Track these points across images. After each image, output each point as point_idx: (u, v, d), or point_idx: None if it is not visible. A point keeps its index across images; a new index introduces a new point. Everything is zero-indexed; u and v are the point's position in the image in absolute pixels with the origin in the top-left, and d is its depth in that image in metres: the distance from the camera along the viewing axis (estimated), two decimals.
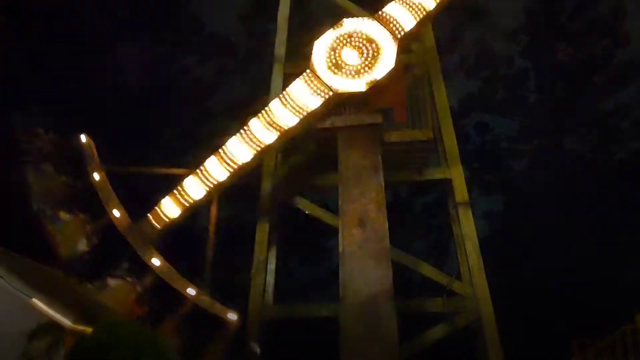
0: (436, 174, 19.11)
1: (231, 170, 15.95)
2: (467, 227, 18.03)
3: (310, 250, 28.50)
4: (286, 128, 15.84)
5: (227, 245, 27.92)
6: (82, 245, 14.89)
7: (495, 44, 31.38)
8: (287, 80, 19.54)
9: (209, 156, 16.06)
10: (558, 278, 23.24)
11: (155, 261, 14.98)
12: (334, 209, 18.77)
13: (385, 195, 17.13)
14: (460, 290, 17.79)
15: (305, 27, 22.29)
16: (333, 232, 18.18)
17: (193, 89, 31.80)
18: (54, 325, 7.66)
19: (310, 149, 19.32)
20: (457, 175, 18.45)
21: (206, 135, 32.59)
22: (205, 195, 15.92)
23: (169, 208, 15.75)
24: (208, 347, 14.75)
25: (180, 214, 15.71)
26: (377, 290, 15.85)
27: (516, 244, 26.21)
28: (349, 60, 16.08)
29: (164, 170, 17.22)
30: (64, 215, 15.20)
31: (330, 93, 15.80)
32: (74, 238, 15.02)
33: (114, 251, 15.68)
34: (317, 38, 16.52)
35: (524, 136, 30.56)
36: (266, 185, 18.88)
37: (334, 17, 20.54)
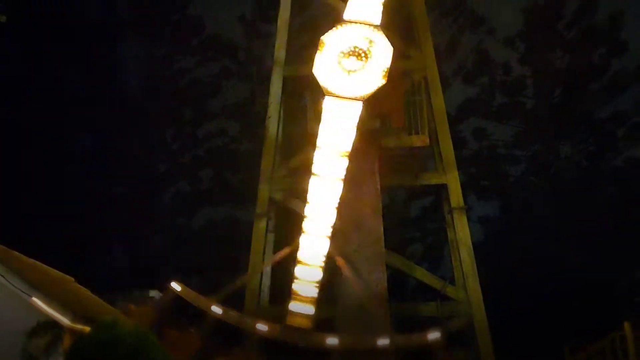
0: (432, 179, 19.25)
1: None
2: (461, 232, 18.17)
3: None
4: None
5: (224, 244, 28.19)
6: None
7: (493, 50, 31.57)
8: (287, 83, 19.78)
9: None
10: (552, 283, 23.40)
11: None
12: None
13: (381, 200, 17.38)
14: (454, 294, 17.92)
15: (306, 30, 22.52)
16: None
17: (193, 90, 31.96)
18: (53, 324, 7.82)
19: (308, 152, 19.53)
20: (452, 181, 18.59)
21: (206, 136, 32.89)
22: None
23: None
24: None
25: None
26: (371, 293, 16.07)
27: (511, 249, 26.40)
28: (349, 66, 16.35)
29: None
30: None
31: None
32: None
33: None
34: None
35: (520, 142, 30.76)
36: (263, 186, 19.02)
37: (335, 21, 20.81)
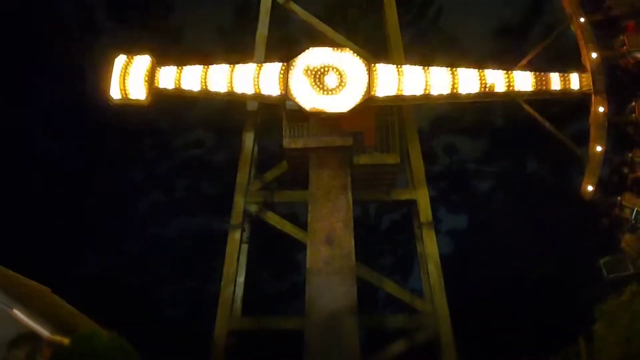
0: (403, 195, 19.89)
1: None
2: (429, 246, 18.79)
3: (279, 263, 29.05)
4: None
5: (198, 254, 28.45)
6: None
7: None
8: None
9: None
10: (516, 296, 24.15)
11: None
12: (302, 223, 19.43)
13: (352, 214, 17.92)
14: (422, 307, 18.51)
15: (284, 45, 22.96)
16: (302, 246, 18.80)
17: (170, 101, 32.10)
18: (32, 335, 8.11)
19: (283, 167, 20.02)
20: (422, 197, 19.23)
21: (180, 146, 33.06)
22: None
23: None
24: None
25: None
26: (341, 305, 16.57)
27: (478, 262, 27.14)
28: (320, 82, 17.21)
29: None
30: None
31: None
32: None
33: None
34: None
35: (489, 158, 31.71)
36: (239, 199, 19.43)
37: (311, 38, 21.37)
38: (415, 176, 19.37)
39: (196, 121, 32.57)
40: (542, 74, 18.05)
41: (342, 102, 17.18)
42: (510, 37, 31.74)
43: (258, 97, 18.18)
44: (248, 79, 17.81)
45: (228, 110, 32.22)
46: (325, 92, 17.23)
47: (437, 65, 18.04)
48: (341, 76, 17.18)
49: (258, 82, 17.70)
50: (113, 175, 29.65)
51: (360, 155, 18.33)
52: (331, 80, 17.24)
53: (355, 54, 17.71)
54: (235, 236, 19.21)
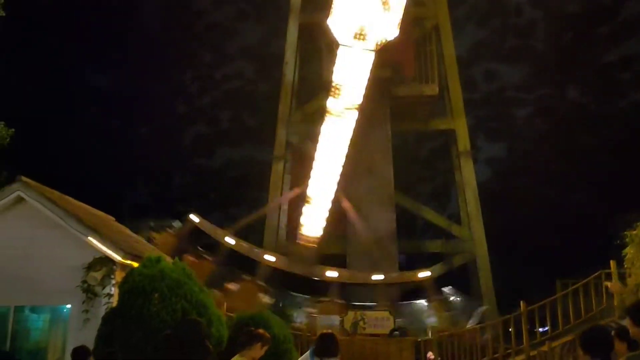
0: (441, 125, 20.19)
1: None
2: (467, 175, 19.23)
3: None
4: None
5: (242, 183, 29.54)
6: None
7: None
8: (303, 29, 20.40)
9: None
10: (551, 221, 24.55)
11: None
12: None
13: (391, 145, 18.42)
14: (459, 233, 19.18)
15: None
16: None
17: (210, 33, 32.50)
18: (106, 259, 9.10)
19: (323, 99, 20.40)
20: (460, 127, 19.51)
21: (221, 78, 33.62)
22: None
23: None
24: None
25: None
26: (382, 231, 17.42)
27: (516, 189, 27.45)
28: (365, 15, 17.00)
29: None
30: None
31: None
32: None
33: None
34: None
35: (529, 85, 31.31)
36: (281, 130, 20.06)
37: None
38: (454, 106, 19.58)
39: (236, 53, 32.98)
40: None
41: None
42: None
43: None
44: None
45: (268, 41, 32.54)
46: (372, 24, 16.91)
47: None
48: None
49: None
50: (159, 108, 30.59)
51: (399, 86, 18.55)
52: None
53: None
54: (278, 167, 19.95)
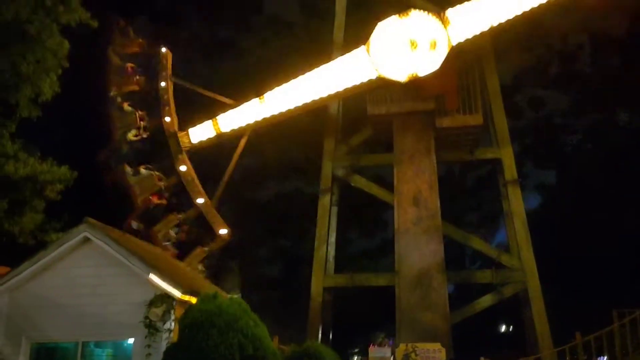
0: (487, 154, 20.14)
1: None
2: (515, 204, 19.05)
3: (367, 223, 30.06)
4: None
5: (290, 216, 29.93)
6: (130, 135, 18.70)
7: (549, 18, 31.36)
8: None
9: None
10: (605, 249, 23.91)
11: (182, 168, 18.63)
12: (388, 184, 20.21)
13: (437, 176, 18.53)
14: (508, 262, 18.92)
15: (362, 8, 23.33)
16: (389, 205, 19.64)
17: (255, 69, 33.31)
18: (167, 296, 9.57)
19: (367, 131, 20.77)
20: (506, 155, 19.41)
21: None
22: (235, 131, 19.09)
23: (206, 131, 19.19)
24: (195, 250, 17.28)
25: (212, 140, 19.26)
26: (430, 263, 17.43)
27: (567, 215, 26.91)
28: (402, 49, 17.51)
29: (218, 97, 19.78)
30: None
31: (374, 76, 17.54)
32: (128, 126, 18.84)
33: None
34: (379, 22, 18.02)
35: (577, 111, 30.79)
36: (327, 164, 20.43)
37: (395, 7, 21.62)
38: (499, 135, 19.54)
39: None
40: None
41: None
42: None
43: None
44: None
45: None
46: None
47: None
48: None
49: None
50: None
51: (443, 117, 18.68)
52: (410, 46, 17.49)
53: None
54: (325, 200, 20.26)
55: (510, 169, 19.37)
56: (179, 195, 18.94)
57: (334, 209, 21.29)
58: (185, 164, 18.76)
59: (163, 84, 19.46)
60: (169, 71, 19.85)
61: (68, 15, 13.07)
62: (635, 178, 24.37)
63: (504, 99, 20.03)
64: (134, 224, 17.28)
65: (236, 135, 19.31)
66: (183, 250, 17.48)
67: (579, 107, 30.57)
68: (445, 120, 18.69)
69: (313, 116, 21.08)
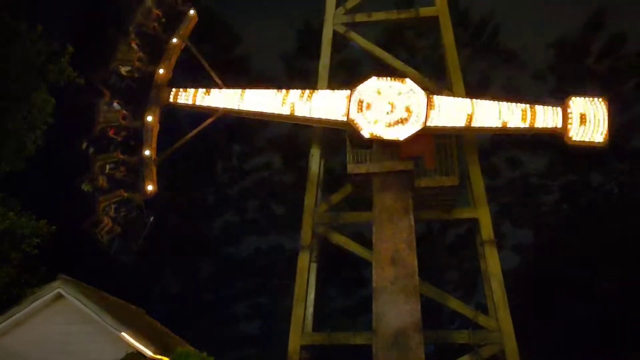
0: (464, 214, 20.43)
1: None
2: (492, 264, 19.21)
3: (347, 280, 29.97)
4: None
5: (270, 272, 29.88)
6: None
7: (525, 84, 32.55)
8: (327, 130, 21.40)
9: None
10: (582, 309, 24.04)
11: (149, 118, 19.82)
12: (368, 242, 20.30)
13: (415, 235, 18.70)
14: (486, 323, 18.93)
15: (344, 70, 24.09)
16: (369, 263, 19.68)
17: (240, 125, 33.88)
18: (138, 355, 9.49)
19: (348, 189, 21.03)
20: (483, 215, 19.71)
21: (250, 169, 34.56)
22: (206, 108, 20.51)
23: (185, 96, 20.61)
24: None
25: (187, 106, 20.66)
26: (407, 322, 17.35)
27: (544, 276, 27.12)
28: (382, 108, 18.47)
29: (213, 74, 20.78)
30: None
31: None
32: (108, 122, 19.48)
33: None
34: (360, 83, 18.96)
35: (552, 172, 31.46)
36: (307, 220, 20.53)
37: (371, 63, 22.43)
38: (476, 195, 19.88)
39: (265, 145, 34.19)
40: None
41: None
42: (570, 53, 31.65)
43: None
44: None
45: (294, 134, 33.77)
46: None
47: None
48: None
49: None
50: (189, 199, 31.53)
51: (421, 178, 19.06)
52: (390, 109, 18.29)
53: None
54: (304, 256, 20.24)
55: (487, 229, 19.60)
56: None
57: (313, 266, 21.22)
58: (153, 117, 19.92)
59: None
60: (188, 31, 21.05)
61: (57, 75, 13.36)
62: (610, 238, 24.76)
63: (481, 159, 20.51)
64: (84, 144, 18.35)
65: (207, 112, 20.76)
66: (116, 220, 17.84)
67: (554, 168, 31.27)
68: (424, 181, 19.07)
69: (296, 172, 21.42)
